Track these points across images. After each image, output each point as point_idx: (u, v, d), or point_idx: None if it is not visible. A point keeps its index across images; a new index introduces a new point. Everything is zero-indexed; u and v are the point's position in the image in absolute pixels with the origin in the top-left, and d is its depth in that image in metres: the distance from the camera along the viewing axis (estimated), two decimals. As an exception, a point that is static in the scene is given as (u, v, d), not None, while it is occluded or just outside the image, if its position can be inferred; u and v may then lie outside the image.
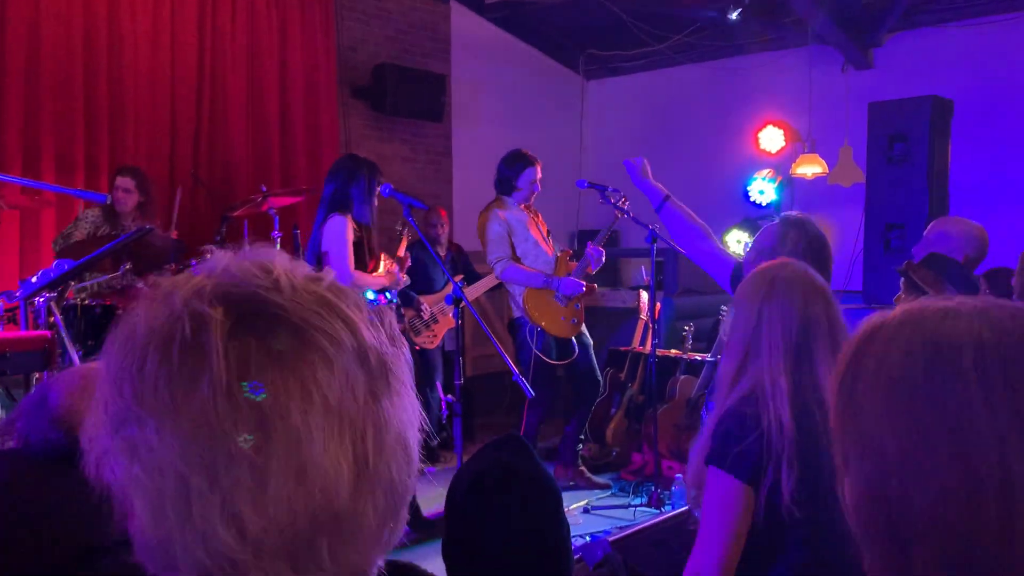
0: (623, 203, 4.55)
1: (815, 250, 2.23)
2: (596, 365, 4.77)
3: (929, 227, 3.26)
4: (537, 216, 4.77)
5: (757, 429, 1.67)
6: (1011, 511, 0.64)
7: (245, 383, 0.56)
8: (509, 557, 1.28)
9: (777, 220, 2.33)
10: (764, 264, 1.88)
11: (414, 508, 3.66)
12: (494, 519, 1.30)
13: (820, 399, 1.69)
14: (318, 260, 3.75)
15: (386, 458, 0.61)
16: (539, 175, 4.61)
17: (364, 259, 3.90)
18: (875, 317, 0.78)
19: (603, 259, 4.68)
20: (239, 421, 0.56)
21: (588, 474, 4.81)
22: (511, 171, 4.58)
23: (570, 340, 4.63)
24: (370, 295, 3.86)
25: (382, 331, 0.64)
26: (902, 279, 2.43)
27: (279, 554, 0.57)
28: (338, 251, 3.72)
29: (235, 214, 4.72)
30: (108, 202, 3.11)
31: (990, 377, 0.67)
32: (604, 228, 4.83)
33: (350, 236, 3.76)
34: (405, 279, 4.19)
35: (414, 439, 0.65)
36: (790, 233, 2.28)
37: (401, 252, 4.46)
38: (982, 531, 0.65)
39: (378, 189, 3.84)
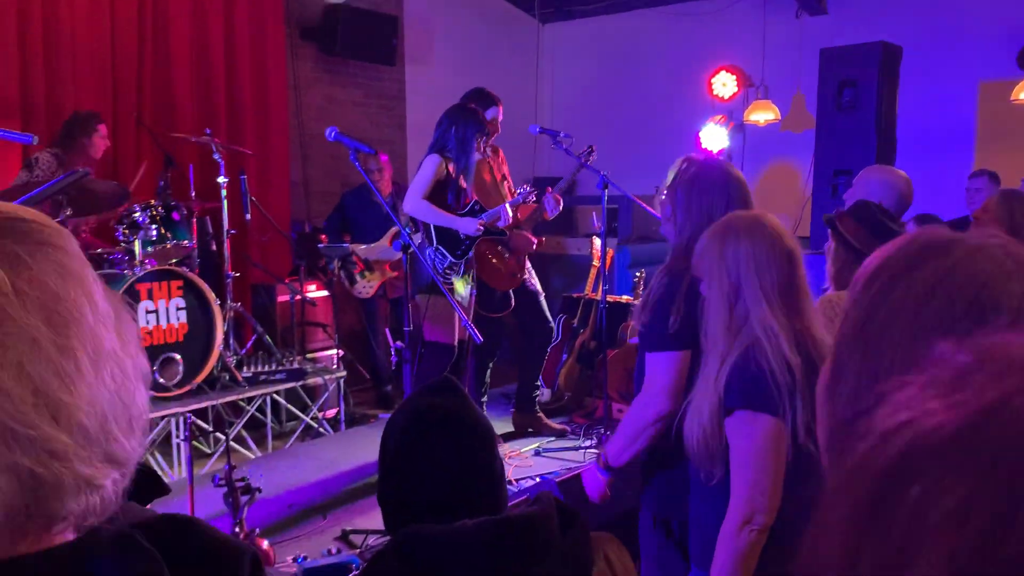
0: (582, 153, 4.52)
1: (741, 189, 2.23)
2: (547, 312, 4.79)
3: (857, 175, 3.32)
4: (496, 157, 4.72)
5: (768, 368, 1.70)
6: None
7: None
8: (442, 497, 1.30)
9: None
10: (721, 219, 1.90)
11: None
12: (427, 460, 1.31)
13: (809, 331, 1.76)
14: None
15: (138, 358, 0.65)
16: (500, 116, 4.57)
17: (444, 197, 4.20)
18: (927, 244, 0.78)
19: (560, 207, 4.66)
20: (31, 312, 0.57)
21: (546, 420, 4.87)
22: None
23: (508, 292, 4.63)
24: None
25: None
26: (829, 229, 2.47)
27: (92, 440, 0.58)
28: (418, 182, 4.18)
29: (177, 157, 4.60)
30: (34, 143, 3.01)
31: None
32: (567, 175, 4.80)
33: (432, 172, 4.15)
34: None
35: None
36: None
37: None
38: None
39: (477, 139, 4.20)
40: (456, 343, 4.29)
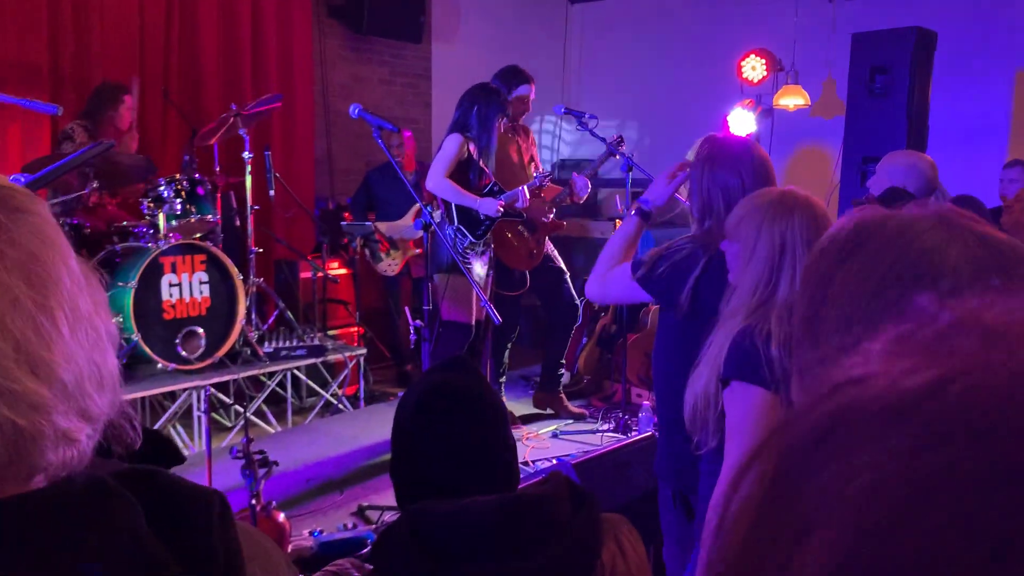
0: (612, 143, 4.48)
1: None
2: (573, 291, 4.78)
3: (881, 161, 3.26)
4: (526, 138, 4.70)
5: (763, 345, 1.67)
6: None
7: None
8: (451, 475, 1.30)
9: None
10: (761, 192, 1.85)
11: None
12: (437, 438, 1.31)
13: None
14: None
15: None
16: (532, 95, 4.55)
17: (467, 176, 4.20)
18: (860, 227, 0.77)
19: (588, 188, 4.62)
20: (11, 273, 0.59)
21: (567, 402, 4.87)
22: (505, 85, 4.49)
23: (525, 272, 4.62)
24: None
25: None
26: None
27: (69, 396, 0.60)
28: (440, 161, 4.17)
29: (203, 130, 4.63)
30: (59, 114, 3.04)
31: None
32: (595, 161, 4.76)
33: (454, 151, 4.14)
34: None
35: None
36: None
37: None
38: None
39: (498, 119, 4.19)
40: (473, 323, 4.28)
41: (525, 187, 4.30)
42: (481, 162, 4.23)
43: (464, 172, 4.21)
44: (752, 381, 1.68)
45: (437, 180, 4.16)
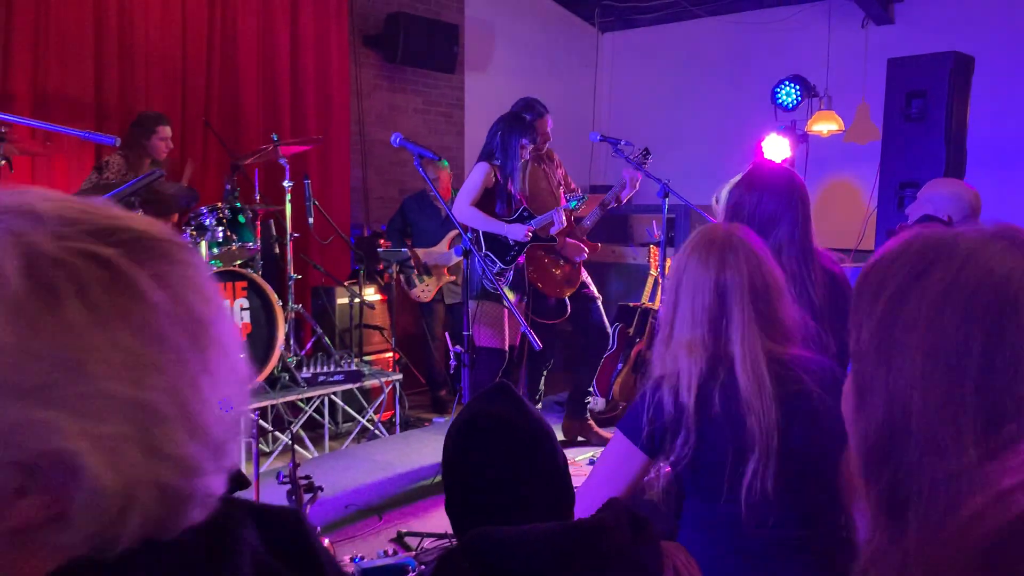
0: (637, 156, 4.49)
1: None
2: (604, 319, 4.78)
3: (922, 188, 3.24)
4: (551, 163, 4.73)
5: (663, 405, 1.69)
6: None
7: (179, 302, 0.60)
8: (497, 503, 1.31)
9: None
10: (696, 231, 1.84)
11: None
12: (479, 468, 1.33)
13: (731, 368, 1.67)
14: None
15: None
16: (549, 125, 4.60)
17: (493, 204, 4.28)
18: (929, 243, 0.75)
19: (638, 185, 4.54)
20: (179, 332, 0.59)
21: (596, 428, 4.85)
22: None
23: (563, 299, 4.62)
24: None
25: None
26: None
27: (217, 454, 0.61)
28: (466, 190, 4.27)
29: (246, 163, 4.72)
30: (117, 145, 3.11)
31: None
32: (616, 185, 4.77)
33: (481, 179, 4.24)
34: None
35: None
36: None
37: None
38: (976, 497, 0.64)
39: (524, 146, 4.26)
40: (506, 348, 4.29)
41: (560, 208, 4.32)
42: (510, 187, 4.27)
43: (491, 199, 4.26)
44: (633, 441, 1.73)
45: (462, 208, 4.22)
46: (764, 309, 1.68)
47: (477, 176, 4.25)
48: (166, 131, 4.67)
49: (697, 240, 1.74)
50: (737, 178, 2.36)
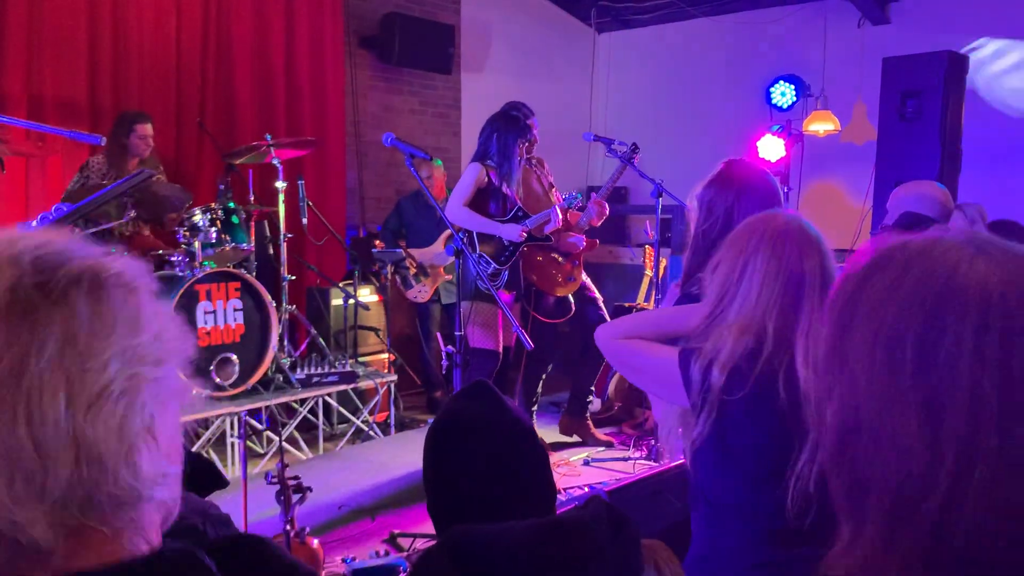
0: (625, 153, 4.49)
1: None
2: (607, 318, 4.76)
3: (895, 190, 3.28)
4: (542, 168, 4.72)
5: (715, 367, 1.67)
6: (963, 488, 0.64)
7: None
8: (474, 502, 1.30)
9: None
10: (756, 216, 1.83)
11: None
12: (454, 468, 1.32)
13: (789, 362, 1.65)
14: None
15: None
16: (535, 127, 4.59)
17: (486, 203, 4.26)
18: (881, 250, 0.75)
19: (606, 211, 4.64)
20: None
21: (593, 429, 4.84)
22: None
23: (566, 298, 4.61)
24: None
25: None
26: None
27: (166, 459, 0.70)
28: (458, 191, 4.26)
29: (238, 163, 4.71)
30: (103, 144, 3.10)
31: (987, 344, 0.64)
32: (607, 182, 4.78)
33: (473, 180, 4.23)
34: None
35: None
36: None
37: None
38: (930, 496, 0.65)
39: (519, 144, 4.24)
40: (500, 349, 4.28)
41: (557, 207, 4.32)
42: (504, 188, 4.26)
43: (485, 200, 4.25)
44: (679, 355, 1.75)
45: (455, 209, 4.21)
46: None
47: (469, 177, 4.25)
48: (145, 129, 4.59)
49: (767, 227, 1.71)
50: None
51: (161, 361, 0.70)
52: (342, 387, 4.73)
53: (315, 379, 4.63)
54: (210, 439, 4.21)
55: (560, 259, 4.57)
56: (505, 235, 4.22)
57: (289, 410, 4.63)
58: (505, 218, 4.26)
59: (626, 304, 5.56)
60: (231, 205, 4.47)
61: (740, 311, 1.68)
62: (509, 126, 4.28)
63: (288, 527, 2.57)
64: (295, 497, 2.55)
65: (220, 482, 1.24)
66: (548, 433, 4.90)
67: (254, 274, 4.57)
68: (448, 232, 5.30)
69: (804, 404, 1.58)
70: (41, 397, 0.62)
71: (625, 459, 4.53)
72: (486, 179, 4.26)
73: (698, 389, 1.68)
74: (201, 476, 1.22)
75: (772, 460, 1.65)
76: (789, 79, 6.74)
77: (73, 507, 0.63)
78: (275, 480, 2.54)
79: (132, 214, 4.24)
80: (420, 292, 5.41)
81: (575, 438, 4.82)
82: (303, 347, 5.05)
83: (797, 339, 1.64)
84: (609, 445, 4.76)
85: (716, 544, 1.77)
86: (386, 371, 5.22)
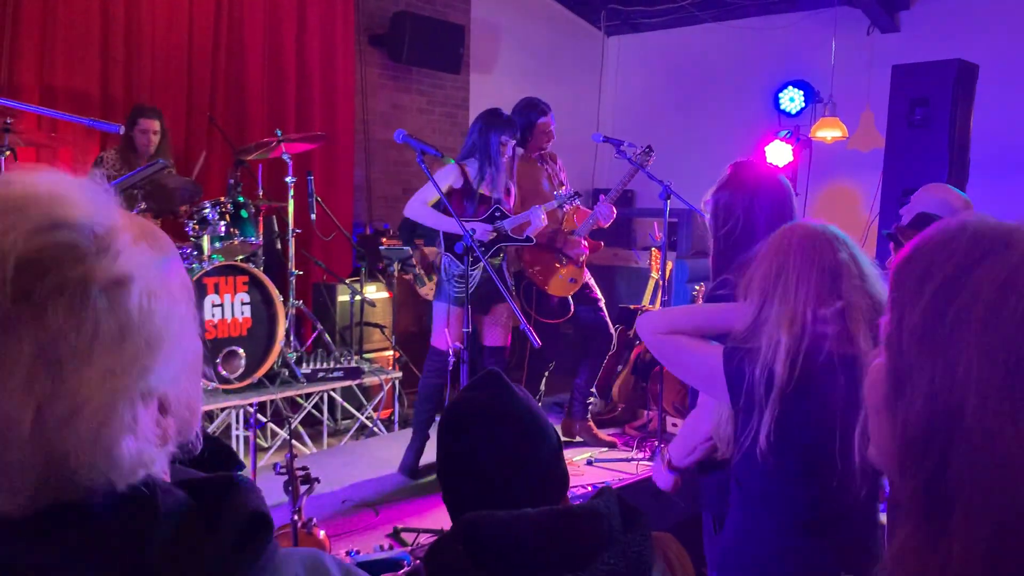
0: (638, 155, 4.47)
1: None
2: (608, 320, 4.77)
3: (917, 192, 3.26)
4: (554, 164, 4.72)
5: (749, 368, 1.69)
6: None
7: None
8: (484, 491, 1.31)
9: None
10: (789, 224, 1.86)
11: None
12: (464, 457, 1.34)
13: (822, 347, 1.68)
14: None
15: None
16: (552, 124, 4.58)
17: (460, 204, 4.07)
18: (978, 227, 0.71)
19: (613, 214, 4.63)
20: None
21: (596, 430, 4.85)
22: (522, 118, 4.52)
23: (567, 298, 4.61)
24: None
25: None
26: (891, 243, 2.42)
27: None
28: (424, 188, 4.02)
29: (249, 158, 4.72)
30: (121, 132, 3.12)
31: None
32: (618, 183, 4.78)
33: (444, 179, 3.99)
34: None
35: None
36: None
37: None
38: None
39: (504, 143, 4.05)
40: (448, 349, 3.98)
41: (541, 207, 4.14)
42: (484, 188, 4.10)
43: (459, 200, 4.08)
44: (723, 353, 1.78)
45: (412, 205, 4.06)
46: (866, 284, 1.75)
47: (440, 176, 4.00)
48: (148, 124, 4.58)
49: (801, 230, 1.78)
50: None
51: (147, 369, 0.67)
52: (347, 383, 4.75)
53: (320, 374, 4.65)
54: (215, 432, 4.22)
55: (564, 260, 4.58)
56: (466, 235, 3.69)
57: (294, 405, 4.65)
58: (481, 218, 4.09)
59: (631, 306, 5.57)
60: (240, 199, 4.48)
61: (782, 308, 1.71)
62: (491, 123, 4.09)
63: (295, 517, 2.59)
64: (303, 488, 2.57)
65: (236, 463, 1.26)
66: (551, 433, 4.90)
67: (262, 268, 4.59)
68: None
69: (855, 387, 1.57)
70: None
71: (628, 460, 4.54)
72: (462, 179, 4.08)
73: (752, 387, 1.70)
74: (218, 458, 1.23)
75: (816, 454, 1.67)
76: (798, 84, 6.76)
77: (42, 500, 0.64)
78: (283, 470, 2.56)
79: (142, 206, 4.26)
80: (431, 290, 5.44)
81: (578, 439, 4.83)
82: (309, 342, 5.07)
83: (836, 324, 1.68)
84: (612, 446, 4.77)
85: (748, 527, 1.80)
86: (391, 368, 5.23)
